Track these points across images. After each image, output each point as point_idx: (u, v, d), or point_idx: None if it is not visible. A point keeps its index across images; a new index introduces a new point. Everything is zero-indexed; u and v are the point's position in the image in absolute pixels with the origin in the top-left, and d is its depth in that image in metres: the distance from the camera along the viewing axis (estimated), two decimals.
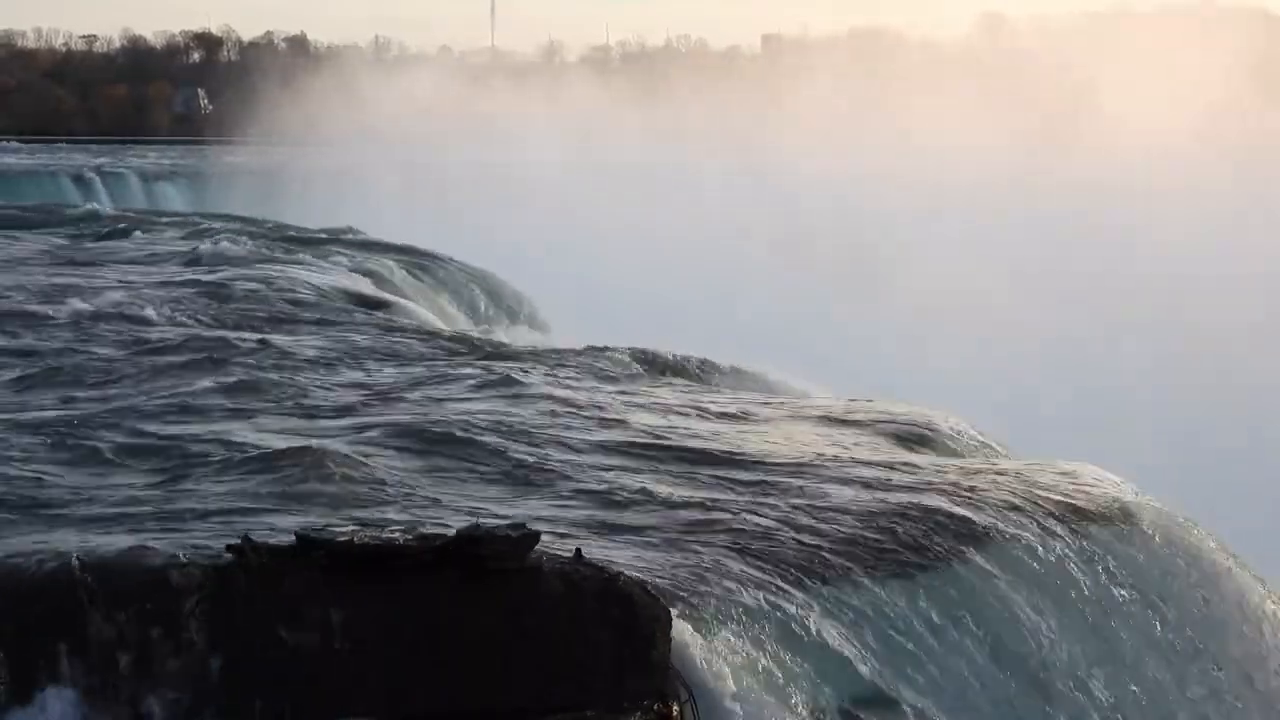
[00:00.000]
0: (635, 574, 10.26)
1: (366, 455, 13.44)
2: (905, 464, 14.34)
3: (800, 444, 15.13)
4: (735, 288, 47.91)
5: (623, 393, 17.29)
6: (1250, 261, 48.68)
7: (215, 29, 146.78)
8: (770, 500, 12.68)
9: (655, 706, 9.64)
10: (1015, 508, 13.00)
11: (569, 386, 17.36)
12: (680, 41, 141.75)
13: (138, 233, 36.14)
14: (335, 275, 28.75)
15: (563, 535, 11.03)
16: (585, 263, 47.02)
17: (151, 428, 14.28)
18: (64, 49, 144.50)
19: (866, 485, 13.25)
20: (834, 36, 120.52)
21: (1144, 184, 55.55)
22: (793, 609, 10.81)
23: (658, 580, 10.45)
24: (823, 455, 14.53)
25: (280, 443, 13.62)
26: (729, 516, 12.14)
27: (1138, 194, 55.09)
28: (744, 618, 10.50)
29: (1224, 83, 61.33)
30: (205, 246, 31.76)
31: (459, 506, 11.96)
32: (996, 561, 12.19)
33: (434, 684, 9.38)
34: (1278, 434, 35.97)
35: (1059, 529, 12.86)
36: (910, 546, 11.98)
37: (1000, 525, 12.62)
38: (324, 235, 37.02)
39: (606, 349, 20.25)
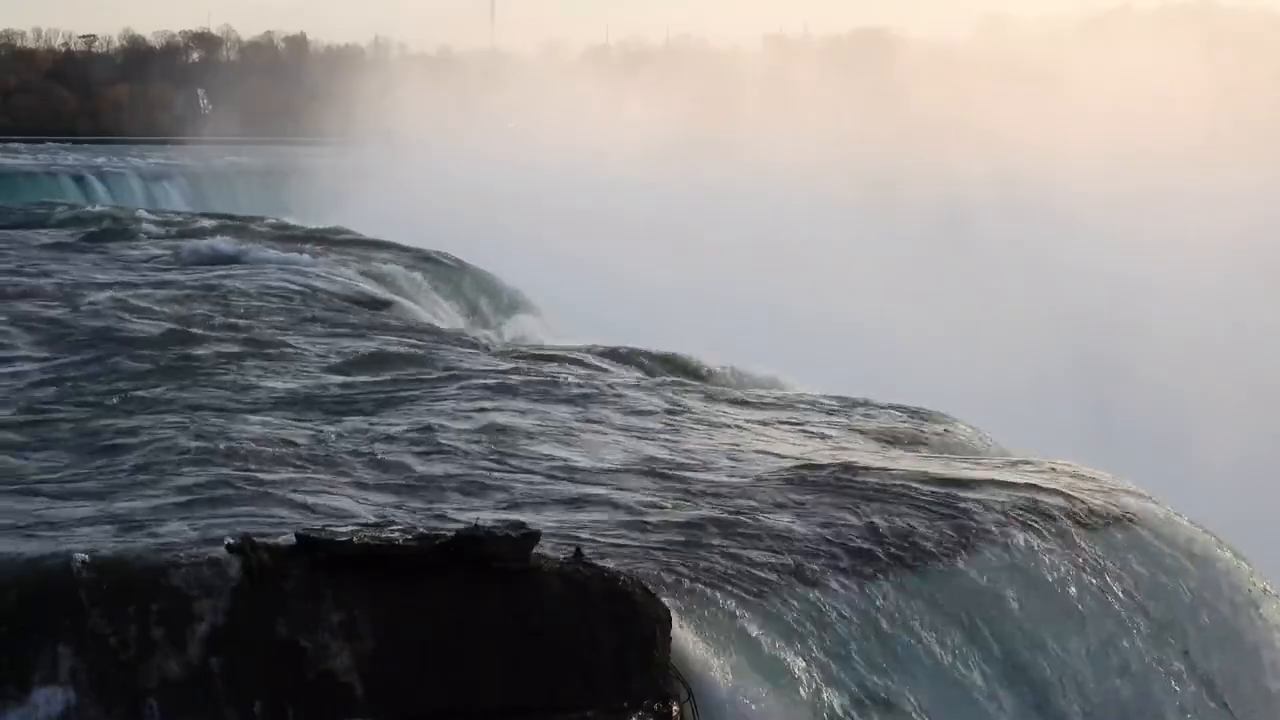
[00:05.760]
0: (634, 574, 10.26)
1: (366, 455, 13.46)
2: (904, 463, 14.34)
3: (799, 443, 15.14)
4: (728, 285, 47.86)
5: (622, 392, 17.29)
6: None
7: (215, 29, 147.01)
8: (769, 499, 12.69)
9: (656, 706, 9.65)
10: (1013, 507, 13.00)
11: (568, 387, 17.37)
12: (680, 41, 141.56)
13: (135, 231, 36.13)
14: (336, 274, 28.73)
15: (561, 535, 11.03)
16: (592, 262, 46.98)
17: (151, 427, 14.27)
18: (64, 49, 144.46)
19: (866, 484, 13.25)
20: (836, 36, 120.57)
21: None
22: (792, 608, 10.81)
23: (656, 579, 10.45)
24: (822, 454, 14.54)
25: (279, 442, 13.63)
26: (727, 515, 12.15)
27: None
28: (743, 617, 10.50)
29: None
30: (203, 245, 31.74)
31: (459, 506, 11.96)
32: (995, 562, 12.19)
33: (436, 684, 9.38)
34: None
35: (1056, 528, 12.85)
36: (909, 546, 11.98)
37: (997, 525, 12.62)
38: (324, 235, 37.01)
39: (608, 350, 20.29)
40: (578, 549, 10.19)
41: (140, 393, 16.11)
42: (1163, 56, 65.46)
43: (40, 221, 38.68)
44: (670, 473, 13.53)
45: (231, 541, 9.75)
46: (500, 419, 15.07)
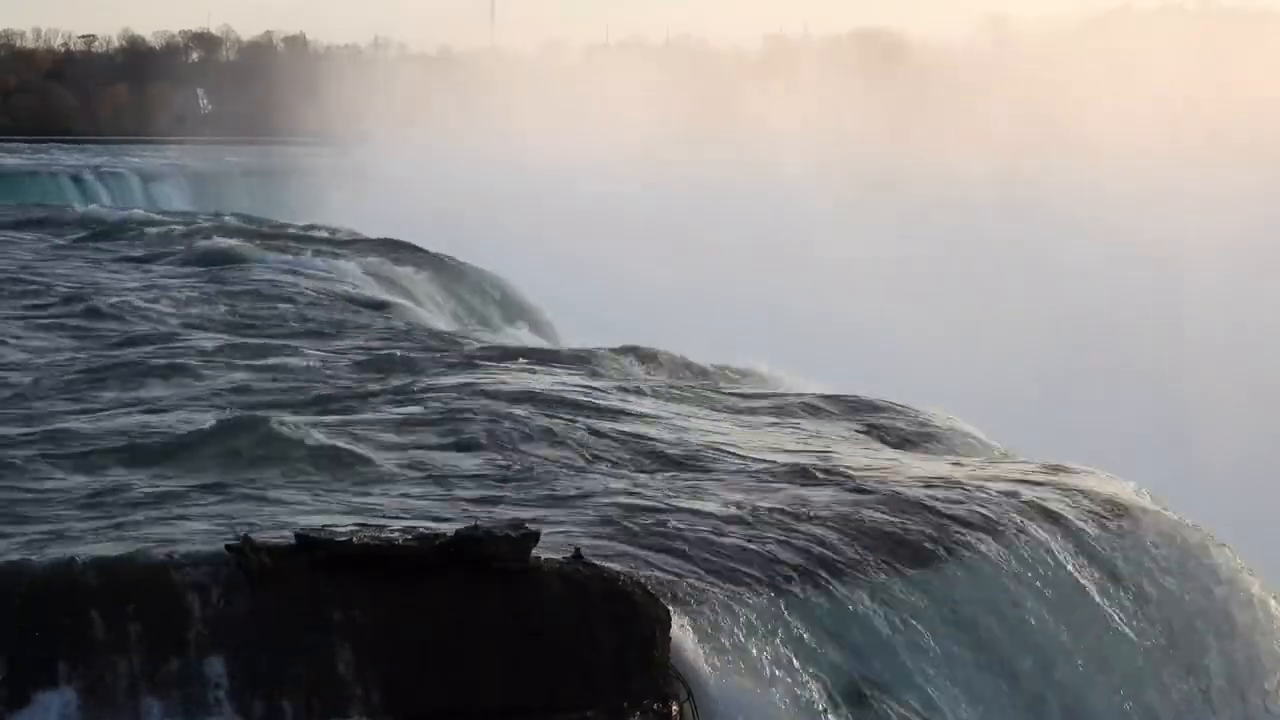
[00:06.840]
0: (633, 574, 10.26)
1: (366, 456, 13.46)
2: (904, 463, 14.35)
3: (798, 441, 15.14)
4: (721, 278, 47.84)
5: (619, 393, 17.29)
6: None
7: (215, 29, 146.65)
8: (769, 498, 12.68)
9: (655, 706, 9.65)
10: (1012, 507, 13.00)
11: (566, 387, 17.36)
12: (680, 41, 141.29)
13: (137, 232, 36.17)
14: (335, 275, 28.74)
15: (560, 535, 11.03)
16: (592, 262, 46.95)
17: (151, 427, 14.28)
18: (64, 49, 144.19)
19: (865, 483, 13.25)
20: (836, 36, 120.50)
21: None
22: (790, 607, 10.81)
23: (656, 579, 10.46)
24: (821, 452, 14.54)
25: (280, 443, 13.63)
26: (726, 515, 12.14)
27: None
28: (742, 616, 10.50)
29: None
30: (201, 246, 31.77)
31: (458, 506, 11.96)
32: (995, 560, 12.20)
33: (436, 684, 9.38)
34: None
35: (1054, 528, 12.86)
36: (908, 545, 11.99)
37: (998, 524, 12.63)
38: (324, 235, 37.02)
39: (605, 350, 20.28)
40: (577, 549, 10.19)
41: (139, 394, 16.13)
42: (1163, 56, 65.48)
43: (42, 222, 38.76)
44: (670, 472, 13.52)
45: (232, 542, 9.76)
46: (497, 419, 15.06)
